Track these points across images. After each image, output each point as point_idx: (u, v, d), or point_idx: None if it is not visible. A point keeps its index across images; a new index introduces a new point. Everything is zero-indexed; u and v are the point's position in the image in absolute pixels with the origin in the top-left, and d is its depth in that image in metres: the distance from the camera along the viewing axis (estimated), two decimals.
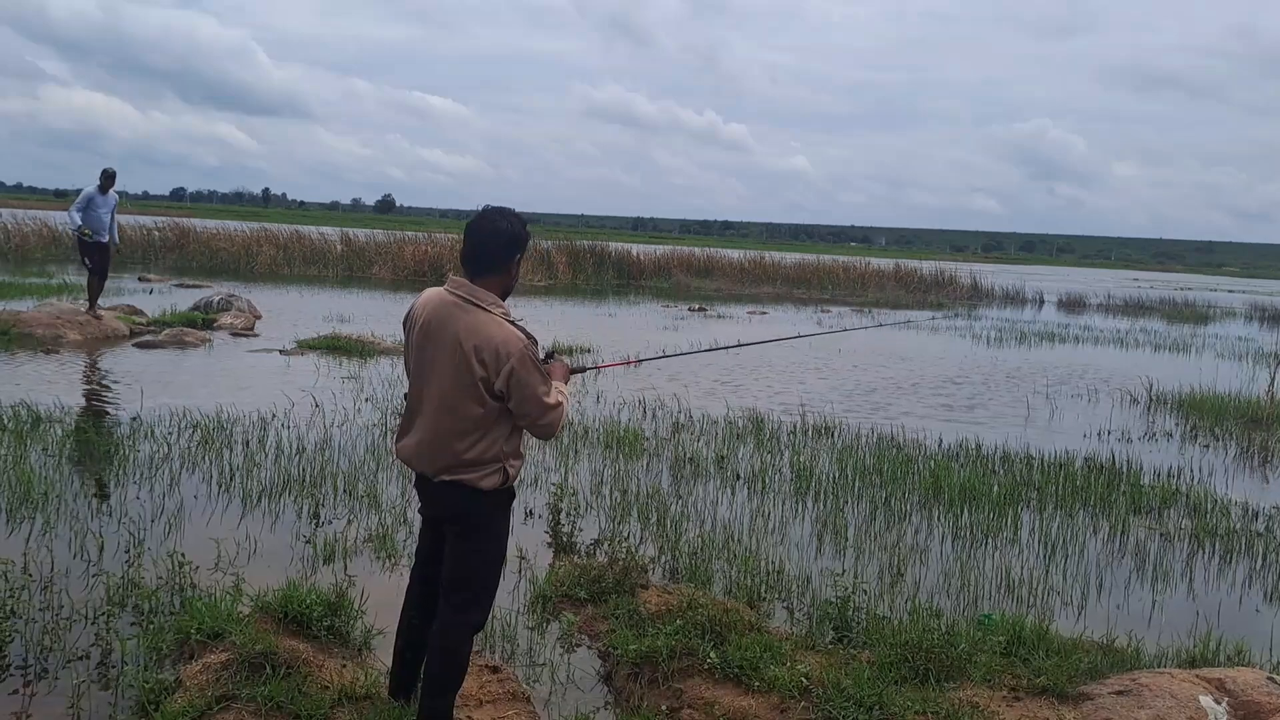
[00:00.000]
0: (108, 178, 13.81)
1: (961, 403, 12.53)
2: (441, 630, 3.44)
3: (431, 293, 3.44)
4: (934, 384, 14.10)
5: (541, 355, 3.40)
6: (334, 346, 13.69)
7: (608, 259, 35.15)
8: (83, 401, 9.49)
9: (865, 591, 5.15)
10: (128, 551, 5.31)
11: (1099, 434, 10.74)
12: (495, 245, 3.34)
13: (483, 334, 3.23)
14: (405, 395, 3.53)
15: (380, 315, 17.81)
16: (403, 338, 3.54)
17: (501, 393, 3.25)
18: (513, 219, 3.38)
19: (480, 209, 3.43)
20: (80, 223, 13.58)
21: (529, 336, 3.30)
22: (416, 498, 3.69)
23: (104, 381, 10.70)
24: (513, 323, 3.31)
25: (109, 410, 9.09)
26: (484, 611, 3.53)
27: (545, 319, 18.71)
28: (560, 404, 3.38)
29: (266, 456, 7.49)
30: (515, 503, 3.65)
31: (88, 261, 14.01)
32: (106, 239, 13.86)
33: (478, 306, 3.29)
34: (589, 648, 4.63)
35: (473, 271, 3.35)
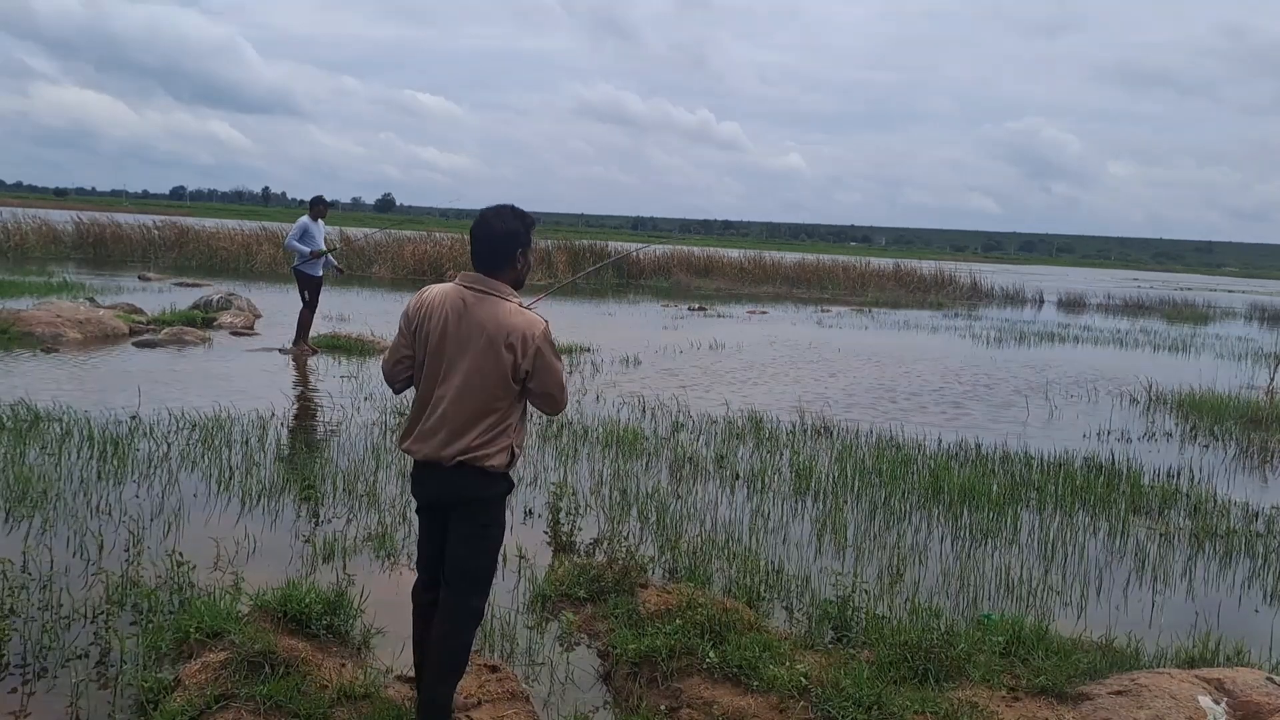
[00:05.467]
0: (321, 204, 12.76)
1: (960, 403, 12.52)
2: (444, 616, 3.49)
3: (443, 288, 3.52)
4: (932, 384, 14.09)
5: None
6: (333, 346, 13.70)
7: (607, 258, 35.13)
8: (297, 404, 9.85)
9: (865, 591, 5.15)
10: (127, 550, 5.31)
11: (1099, 434, 10.73)
12: (495, 245, 3.50)
13: (508, 322, 3.40)
14: (413, 397, 3.56)
15: (379, 314, 17.81)
16: (405, 332, 3.52)
17: (527, 373, 3.42)
18: (508, 217, 3.53)
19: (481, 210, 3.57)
20: (308, 251, 12.49)
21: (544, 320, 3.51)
22: (414, 494, 3.66)
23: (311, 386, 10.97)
24: (528, 308, 3.50)
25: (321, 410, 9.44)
26: (484, 597, 3.61)
27: (545, 317, 18.67)
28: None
29: (266, 456, 7.49)
30: (515, 501, 3.68)
31: (306, 294, 12.79)
32: (321, 273, 12.94)
33: (496, 296, 3.45)
34: (588, 647, 4.63)
35: (484, 269, 3.50)
